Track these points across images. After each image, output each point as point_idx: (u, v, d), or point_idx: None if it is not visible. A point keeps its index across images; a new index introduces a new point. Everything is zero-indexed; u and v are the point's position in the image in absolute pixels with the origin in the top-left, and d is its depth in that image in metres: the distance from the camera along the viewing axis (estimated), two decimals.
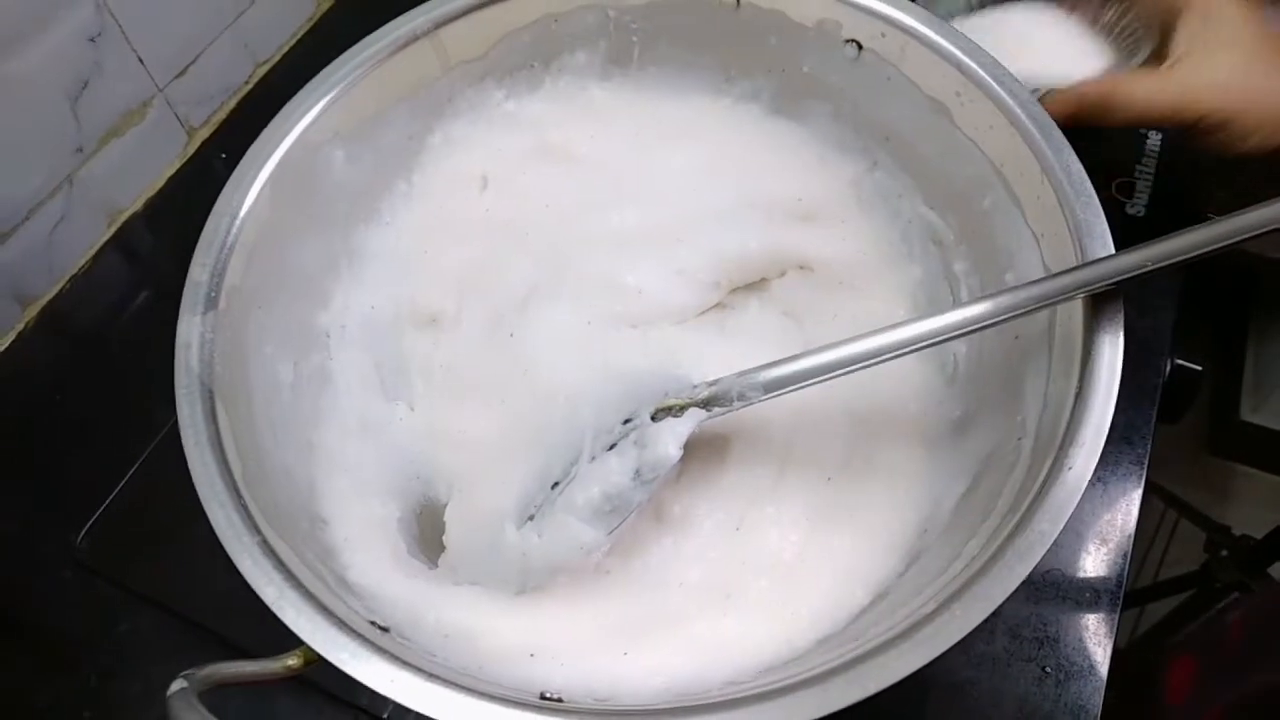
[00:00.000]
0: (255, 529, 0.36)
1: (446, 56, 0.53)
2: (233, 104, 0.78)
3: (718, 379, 0.44)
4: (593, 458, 0.44)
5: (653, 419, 0.44)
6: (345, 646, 0.33)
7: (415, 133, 0.55)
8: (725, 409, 0.43)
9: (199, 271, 0.43)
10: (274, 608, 0.34)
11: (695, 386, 0.45)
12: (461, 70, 0.55)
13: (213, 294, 0.42)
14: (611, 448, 0.44)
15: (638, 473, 0.43)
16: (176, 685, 0.29)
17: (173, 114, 0.73)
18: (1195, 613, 1.14)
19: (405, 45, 0.51)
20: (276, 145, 0.47)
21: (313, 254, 0.50)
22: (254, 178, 0.46)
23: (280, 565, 0.35)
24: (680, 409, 0.44)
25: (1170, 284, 0.61)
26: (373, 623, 0.36)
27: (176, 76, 0.72)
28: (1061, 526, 0.34)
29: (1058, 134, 0.44)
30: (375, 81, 0.51)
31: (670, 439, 0.43)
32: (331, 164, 0.50)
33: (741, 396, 0.43)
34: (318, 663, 0.34)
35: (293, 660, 0.34)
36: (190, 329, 0.41)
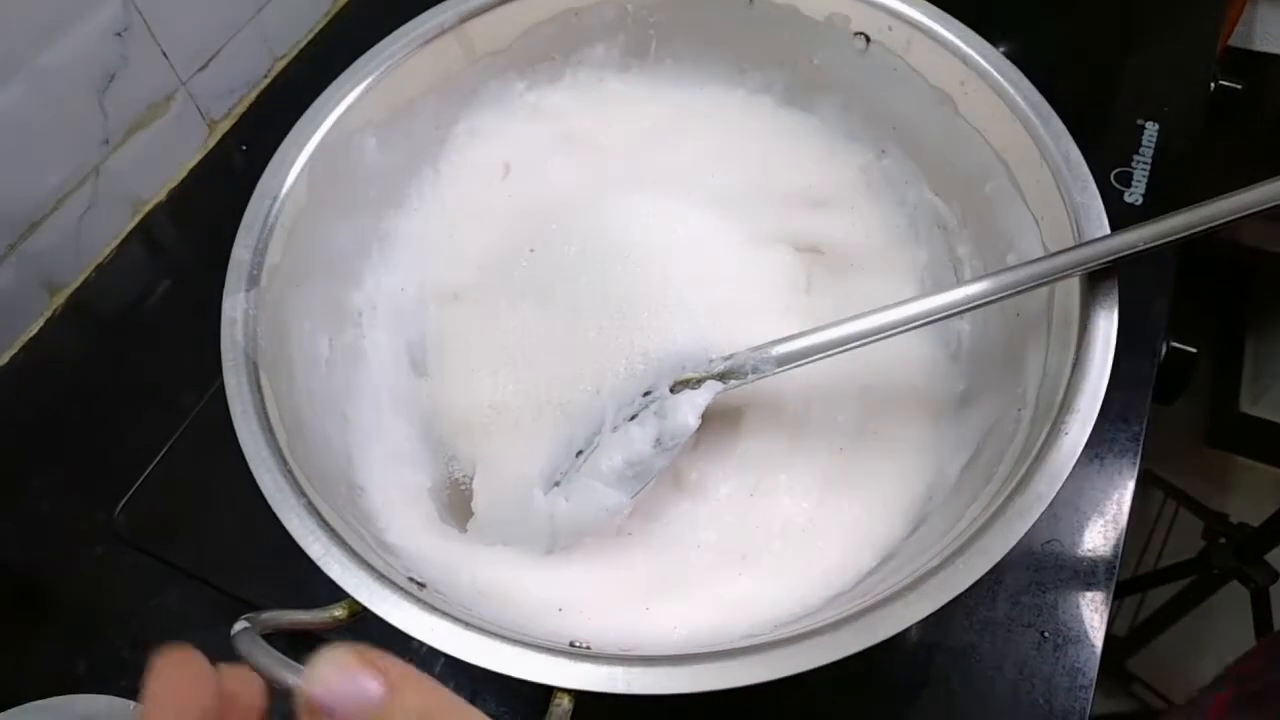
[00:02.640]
0: (300, 492, 0.37)
1: (472, 49, 0.55)
2: (252, 97, 0.79)
3: (733, 353, 0.45)
4: (615, 427, 0.46)
5: (671, 391, 0.46)
6: (387, 599, 0.34)
7: (442, 122, 0.56)
8: (740, 382, 0.45)
9: (242, 251, 0.44)
10: (320, 563, 0.35)
11: (711, 360, 0.46)
12: (486, 62, 0.56)
13: (255, 272, 0.43)
14: (633, 418, 0.46)
15: (658, 441, 0.44)
16: (240, 625, 0.31)
17: (194, 107, 0.74)
18: (1193, 600, 1.15)
19: (433, 38, 0.53)
20: (314, 131, 0.48)
21: (346, 236, 0.52)
22: (293, 162, 0.47)
23: (324, 524, 0.36)
24: (697, 382, 0.45)
25: (1166, 269, 0.61)
26: (411, 578, 0.37)
27: (199, 70, 0.73)
28: (1058, 488, 0.35)
29: (1057, 123, 0.45)
30: (405, 73, 0.52)
31: (689, 409, 0.44)
32: (364, 150, 0.51)
33: (755, 370, 0.44)
34: (361, 614, 0.35)
35: (339, 611, 0.35)
36: (235, 305, 0.42)
